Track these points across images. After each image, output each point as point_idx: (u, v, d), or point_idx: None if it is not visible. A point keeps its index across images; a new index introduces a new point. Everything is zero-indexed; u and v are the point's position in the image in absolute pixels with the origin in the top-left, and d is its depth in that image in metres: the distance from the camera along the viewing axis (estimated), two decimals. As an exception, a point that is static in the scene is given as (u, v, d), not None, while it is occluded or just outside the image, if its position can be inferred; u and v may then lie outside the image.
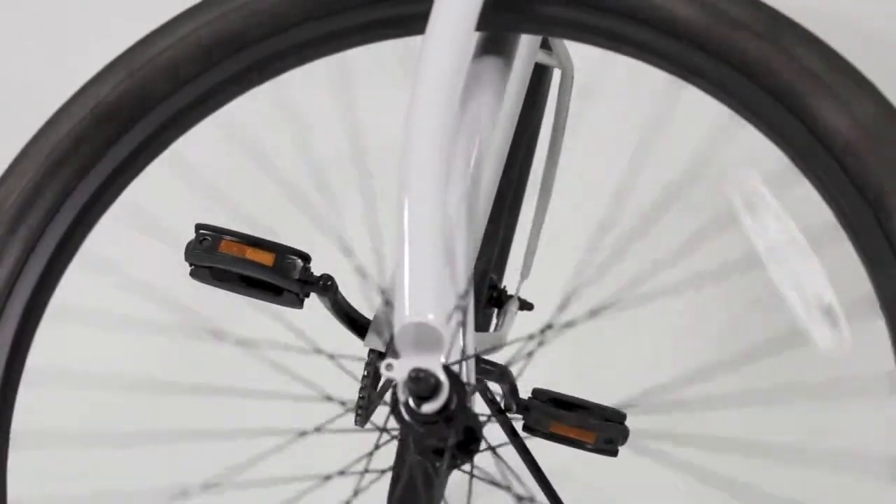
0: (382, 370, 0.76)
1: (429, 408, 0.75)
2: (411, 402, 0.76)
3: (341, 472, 0.83)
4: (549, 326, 0.81)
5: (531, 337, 0.81)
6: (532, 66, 1.09)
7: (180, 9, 0.89)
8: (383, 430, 0.81)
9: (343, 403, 0.84)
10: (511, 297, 1.29)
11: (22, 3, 2.02)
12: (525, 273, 1.30)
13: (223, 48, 0.89)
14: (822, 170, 0.80)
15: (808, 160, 0.81)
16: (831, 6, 1.70)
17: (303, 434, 0.83)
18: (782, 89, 0.82)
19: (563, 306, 0.81)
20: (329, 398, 0.84)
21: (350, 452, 0.83)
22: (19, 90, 1.90)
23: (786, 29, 0.83)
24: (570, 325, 0.82)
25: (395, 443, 0.85)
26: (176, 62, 0.88)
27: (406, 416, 0.77)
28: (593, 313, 0.82)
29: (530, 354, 0.81)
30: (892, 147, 0.78)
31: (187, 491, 0.84)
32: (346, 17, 0.90)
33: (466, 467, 0.80)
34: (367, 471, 0.82)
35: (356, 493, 0.81)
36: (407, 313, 0.76)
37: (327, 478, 0.84)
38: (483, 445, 0.80)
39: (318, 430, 0.84)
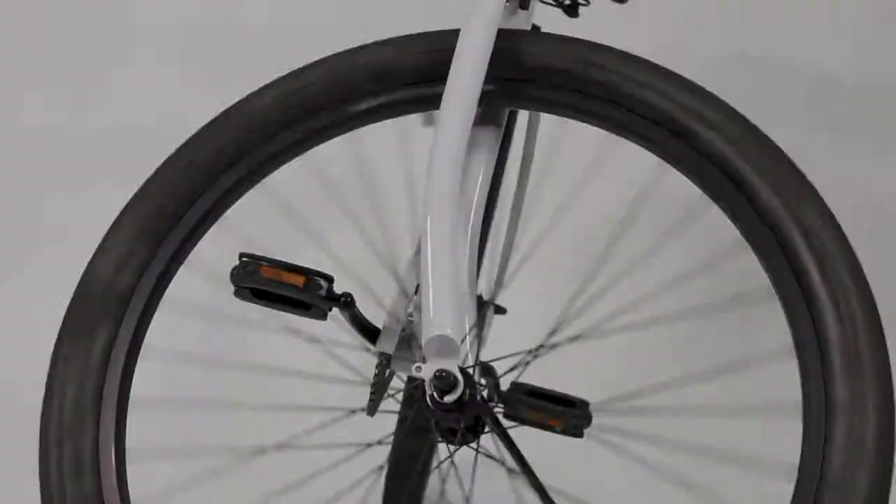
0: (413, 371, 0.97)
1: (449, 399, 0.97)
2: (435, 395, 0.98)
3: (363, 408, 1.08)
4: (541, 346, 1.06)
5: (529, 352, 1.05)
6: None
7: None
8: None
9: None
10: (487, 302, 1.48)
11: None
12: (499, 282, 1.49)
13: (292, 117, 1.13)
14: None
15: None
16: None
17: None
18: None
19: (552, 332, 1.05)
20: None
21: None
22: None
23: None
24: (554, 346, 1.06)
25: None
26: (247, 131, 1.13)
27: (430, 405, 0.98)
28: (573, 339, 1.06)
29: (527, 364, 1.04)
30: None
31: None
32: (385, 96, 1.12)
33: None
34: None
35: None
36: (432, 327, 0.96)
37: (353, 412, 1.08)
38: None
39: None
